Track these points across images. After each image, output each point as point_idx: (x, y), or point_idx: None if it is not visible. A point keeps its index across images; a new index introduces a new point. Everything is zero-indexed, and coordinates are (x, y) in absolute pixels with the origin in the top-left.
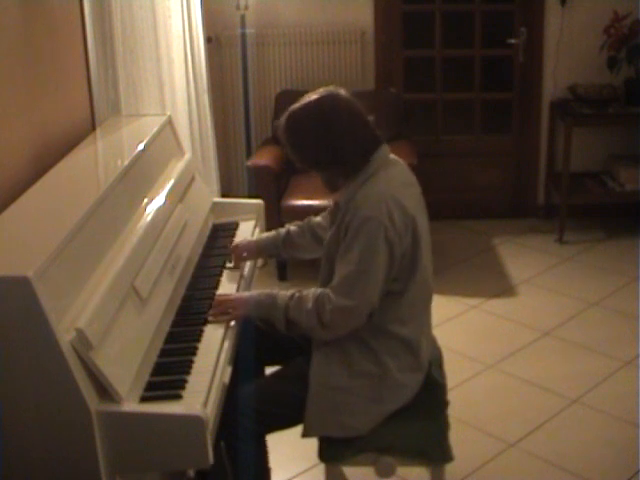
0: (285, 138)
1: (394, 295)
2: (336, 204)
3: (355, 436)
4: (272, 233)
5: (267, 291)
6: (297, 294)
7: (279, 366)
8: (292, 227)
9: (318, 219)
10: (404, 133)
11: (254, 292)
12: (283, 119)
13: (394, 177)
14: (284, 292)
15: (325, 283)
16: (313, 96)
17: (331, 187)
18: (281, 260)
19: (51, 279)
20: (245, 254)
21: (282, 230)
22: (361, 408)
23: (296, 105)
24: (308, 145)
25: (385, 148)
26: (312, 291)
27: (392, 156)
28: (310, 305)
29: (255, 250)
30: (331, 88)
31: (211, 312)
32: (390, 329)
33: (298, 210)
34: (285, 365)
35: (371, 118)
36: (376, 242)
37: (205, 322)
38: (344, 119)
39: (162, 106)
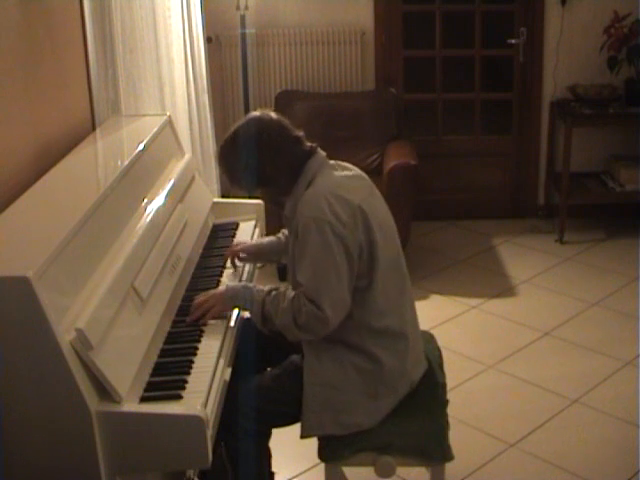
0: (221, 169)
1: (363, 291)
2: (286, 217)
3: (355, 432)
4: (272, 238)
5: (243, 283)
6: (274, 291)
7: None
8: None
9: None
10: (404, 133)
11: (229, 284)
12: (217, 157)
13: (334, 175)
14: (261, 287)
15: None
16: (238, 124)
17: (275, 204)
18: (280, 265)
19: (51, 279)
20: (244, 256)
21: (281, 236)
22: (357, 404)
23: (225, 136)
24: (241, 171)
25: (319, 155)
26: (288, 291)
27: (333, 162)
28: (285, 304)
29: (254, 253)
30: (257, 112)
31: (189, 318)
32: (371, 324)
33: None
34: (282, 363)
35: (300, 133)
36: (326, 240)
37: (205, 322)
38: (270, 141)
39: (162, 106)
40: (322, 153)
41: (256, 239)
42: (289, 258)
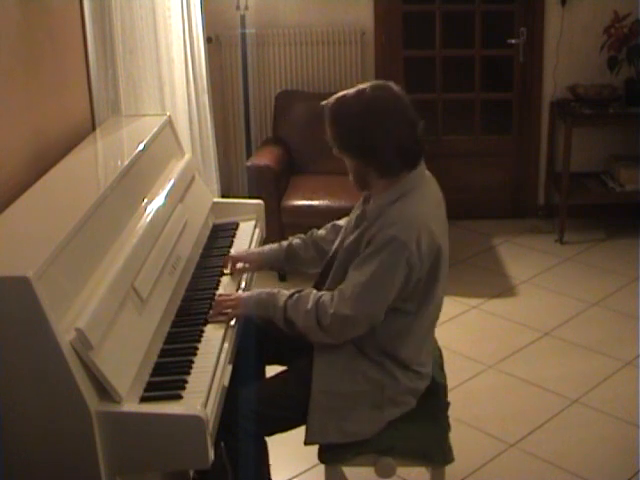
0: (331, 119)
1: (405, 315)
2: (364, 212)
3: (357, 440)
4: (274, 246)
5: (267, 290)
6: (297, 294)
7: (280, 366)
8: (295, 240)
9: (322, 232)
10: None
11: (255, 291)
12: (332, 100)
13: (427, 198)
14: (285, 291)
15: (335, 286)
16: (368, 84)
17: (361, 184)
18: (283, 273)
19: (51, 279)
20: (244, 265)
21: (284, 243)
22: (363, 415)
23: (349, 91)
24: (353, 130)
25: (422, 165)
26: (313, 292)
27: (427, 172)
28: (309, 306)
29: (256, 262)
30: (385, 82)
31: (211, 312)
32: (392, 346)
33: (298, 210)
34: (287, 367)
35: (421, 124)
36: (397, 263)
37: (205, 322)
38: (394, 114)
39: (162, 106)
40: (423, 162)
41: (257, 248)
42: (344, 253)
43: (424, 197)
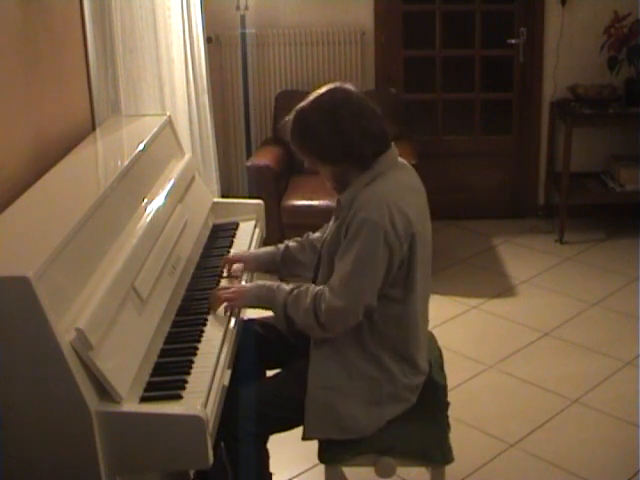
0: (295, 136)
1: (394, 302)
2: (339, 202)
3: (356, 438)
4: (271, 248)
5: (268, 284)
6: (296, 290)
7: (280, 370)
8: (291, 243)
9: (317, 234)
10: (404, 133)
11: (255, 284)
12: (291, 117)
13: (400, 181)
14: (284, 286)
15: (325, 281)
16: (320, 91)
17: (340, 186)
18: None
19: (51, 279)
20: (240, 266)
21: (281, 246)
22: (361, 410)
23: (303, 102)
24: (320, 140)
25: (394, 149)
26: (311, 288)
27: (401, 160)
28: (308, 303)
29: (252, 264)
30: (338, 83)
31: (210, 304)
32: (385, 333)
33: (298, 210)
34: (286, 368)
35: (380, 112)
36: (375, 245)
37: (205, 322)
38: (355, 112)
39: (162, 106)
40: (395, 148)
41: (253, 250)
42: (327, 246)
43: (396, 180)
